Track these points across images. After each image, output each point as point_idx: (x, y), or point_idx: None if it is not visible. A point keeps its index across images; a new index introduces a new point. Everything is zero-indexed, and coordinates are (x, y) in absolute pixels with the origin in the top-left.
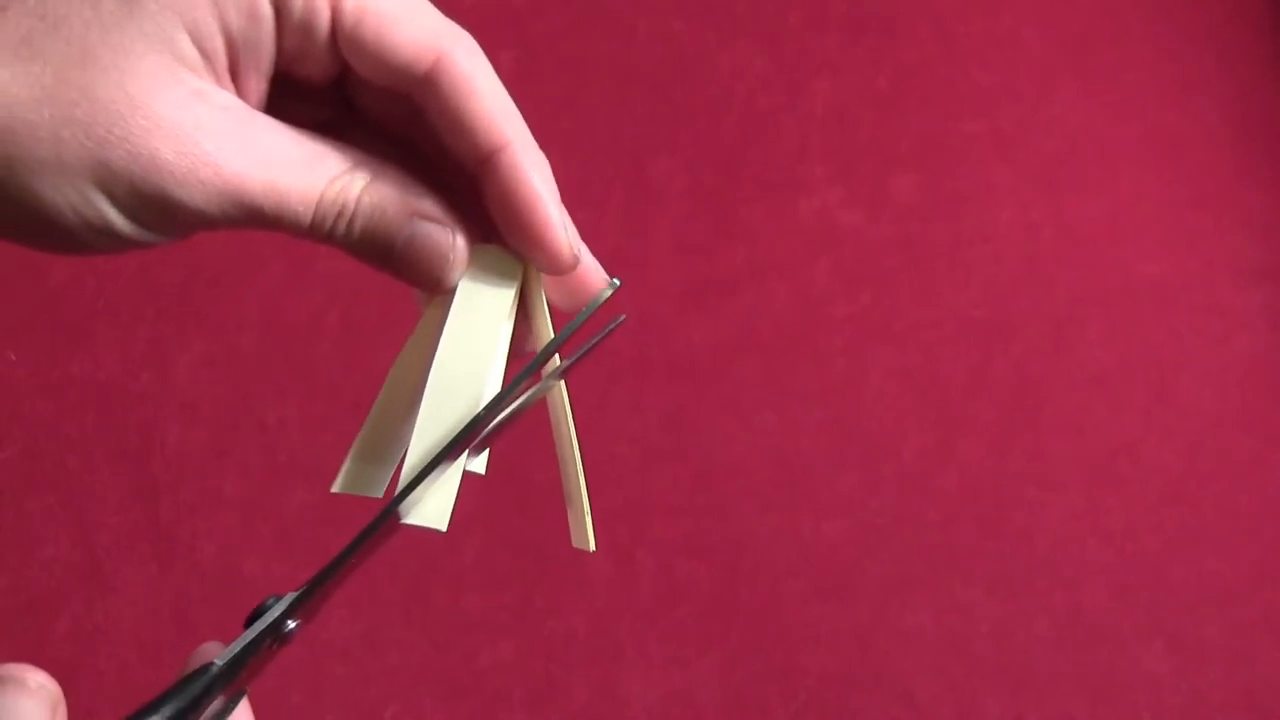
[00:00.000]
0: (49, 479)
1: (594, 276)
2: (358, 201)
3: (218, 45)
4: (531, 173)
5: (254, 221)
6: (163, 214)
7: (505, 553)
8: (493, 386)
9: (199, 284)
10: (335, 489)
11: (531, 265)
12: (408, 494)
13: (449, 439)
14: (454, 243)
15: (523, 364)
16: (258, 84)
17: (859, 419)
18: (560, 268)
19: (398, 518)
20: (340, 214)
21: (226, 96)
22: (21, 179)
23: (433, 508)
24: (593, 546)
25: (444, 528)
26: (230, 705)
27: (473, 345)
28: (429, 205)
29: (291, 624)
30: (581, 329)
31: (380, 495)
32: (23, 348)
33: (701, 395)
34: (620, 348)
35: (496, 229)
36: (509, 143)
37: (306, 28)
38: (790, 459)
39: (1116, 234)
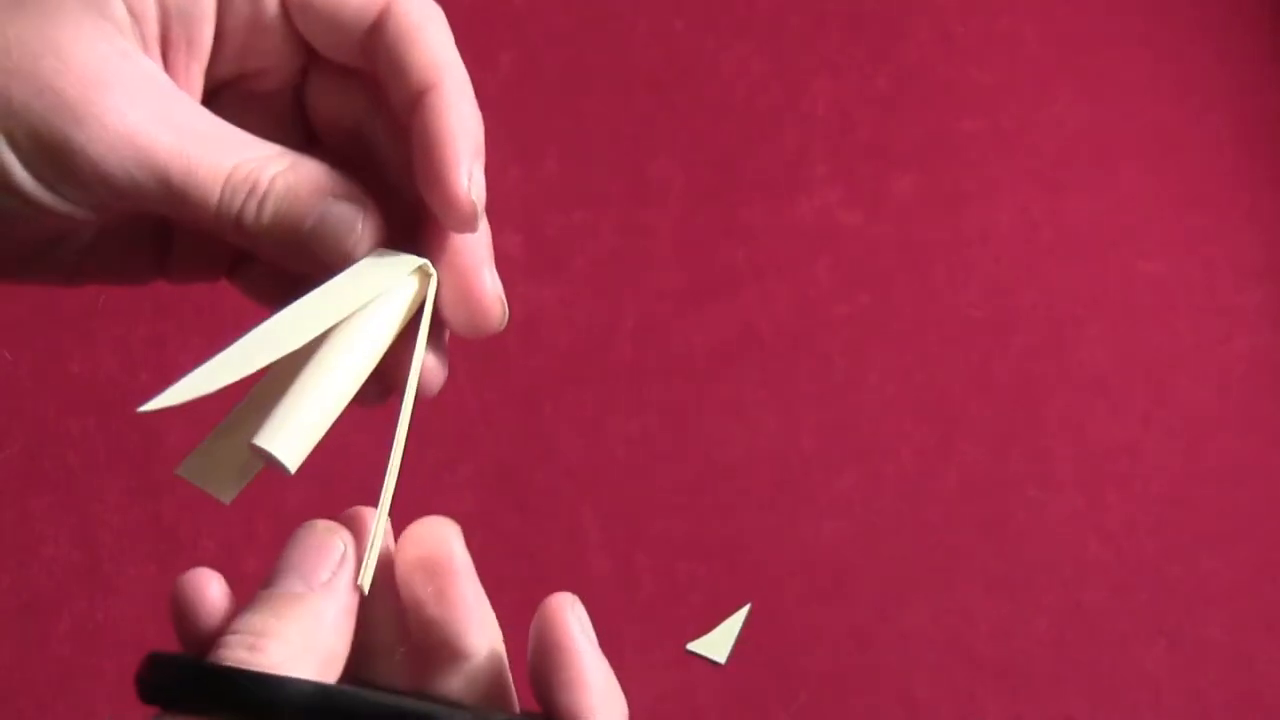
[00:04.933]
0: (49, 479)
1: (489, 290)
2: (271, 181)
3: (149, 10)
4: (451, 113)
5: (159, 193)
6: (64, 167)
7: (505, 553)
8: (353, 383)
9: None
10: (180, 472)
11: (432, 280)
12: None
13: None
14: (364, 217)
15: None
16: (188, 65)
17: (859, 419)
18: (456, 216)
19: None
20: (251, 193)
21: (150, 64)
22: None
23: (289, 439)
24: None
25: (293, 470)
26: None
27: (354, 336)
28: (344, 187)
29: None
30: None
31: (227, 501)
32: (23, 347)
33: (701, 395)
34: (620, 348)
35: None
36: (439, 84)
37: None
38: (790, 459)
39: (1117, 234)
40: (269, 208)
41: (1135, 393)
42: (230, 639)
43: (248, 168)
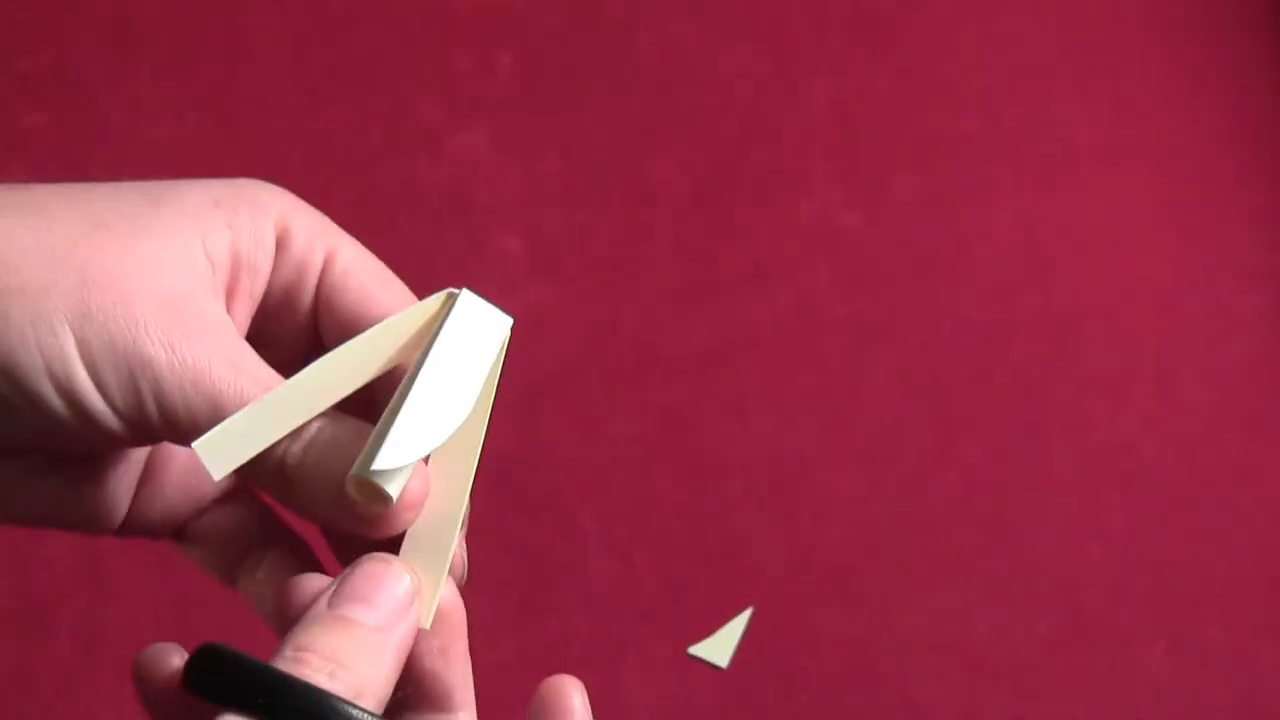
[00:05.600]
0: None
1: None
2: (318, 430)
3: (224, 260)
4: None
5: (208, 425)
6: (129, 379)
7: (505, 553)
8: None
9: None
10: (196, 445)
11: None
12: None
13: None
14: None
15: None
16: (244, 314)
17: (859, 419)
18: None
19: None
20: (297, 437)
21: (218, 306)
22: None
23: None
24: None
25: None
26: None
27: (458, 376)
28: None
29: None
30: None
31: (216, 479)
32: None
33: (701, 395)
34: (620, 348)
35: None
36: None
37: (301, 266)
38: (790, 459)
39: (1117, 234)
40: (312, 454)
41: (1136, 393)
42: (308, 657)
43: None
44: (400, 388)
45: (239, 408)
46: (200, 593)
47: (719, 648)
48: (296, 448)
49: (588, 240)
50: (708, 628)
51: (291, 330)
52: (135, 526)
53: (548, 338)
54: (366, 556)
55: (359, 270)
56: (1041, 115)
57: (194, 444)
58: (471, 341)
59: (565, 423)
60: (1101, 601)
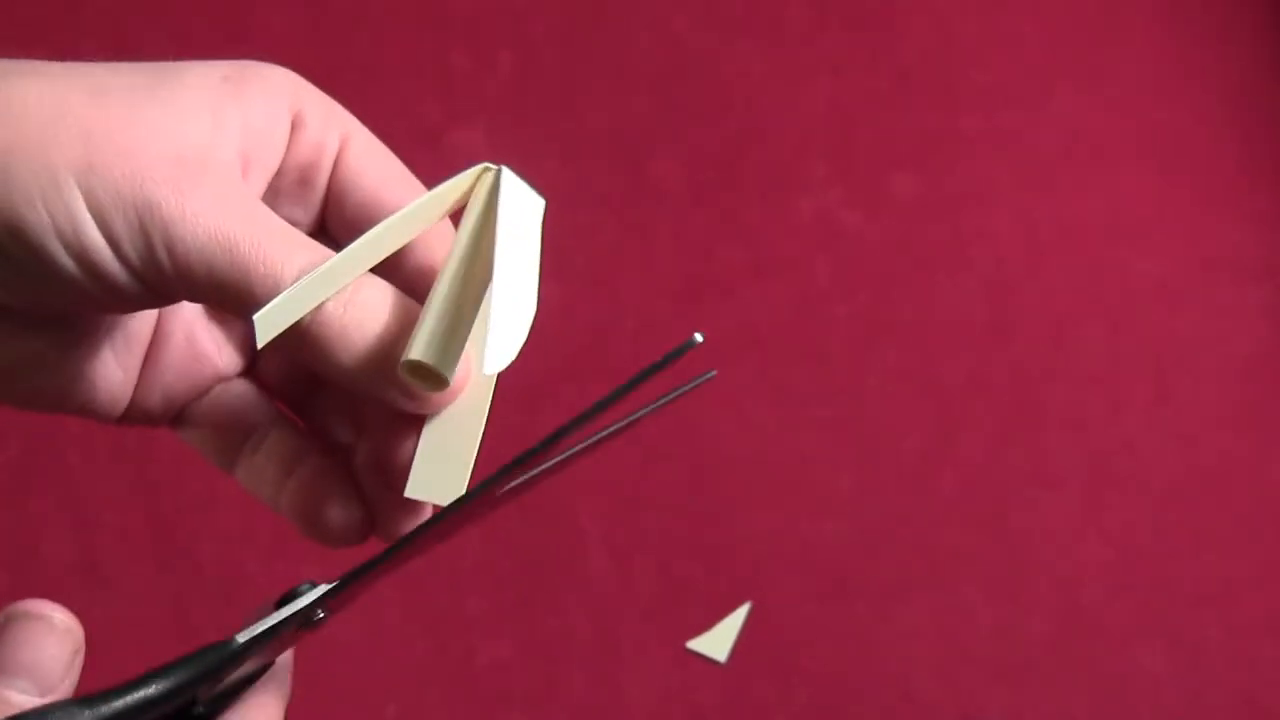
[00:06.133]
0: (49, 479)
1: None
2: (357, 290)
3: (234, 132)
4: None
5: (226, 275)
6: (144, 231)
7: (505, 552)
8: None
9: None
10: (257, 318)
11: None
12: (494, 482)
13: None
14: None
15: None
16: (256, 188)
17: (858, 418)
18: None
19: (487, 499)
20: (338, 296)
21: (233, 167)
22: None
23: (442, 482)
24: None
25: (445, 503)
26: (253, 676)
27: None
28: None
29: (321, 614)
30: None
31: (261, 346)
32: None
33: (700, 395)
34: (620, 348)
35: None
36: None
37: (318, 148)
38: (789, 458)
39: (1117, 232)
40: (354, 314)
41: (1135, 392)
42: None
43: (315, 266)
44: (453, 273)
45: (255, 256)
46: (200, 592)
47: (717, 643)
48: (336, 307)
49: (588, 240)
50: (706, 624)
51: (300, 215)
52: (137, 413)
53: (548, 337)
54: (20, 614)
55: (375, 157)
56: (1041, 114)
57: (255, 316)
58: (521, 224)
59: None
60: (1100, 600)
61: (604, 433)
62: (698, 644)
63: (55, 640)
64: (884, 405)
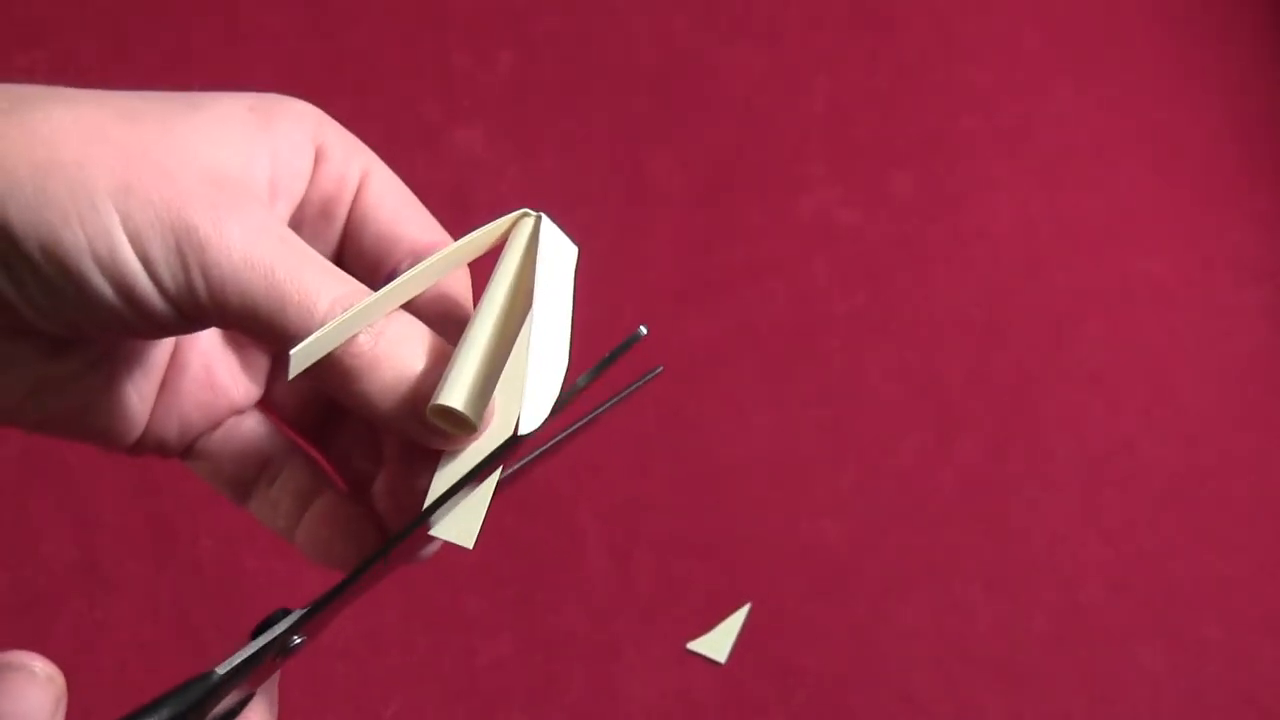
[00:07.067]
0: (49, 479)
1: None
2: (388, 324)
3: (262, 160)
4: None
5: (261, 302)
6: (178, 254)
7: (504, 552)
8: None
9: None
10: (294, 352)
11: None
12: (434, 510)
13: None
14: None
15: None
16: (284, 211)
17: (857, 417)
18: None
19: (417, 537)
20: (368, 329)
21: (264, 193)
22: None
23: (462, 524)
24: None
25: (471, 545)
26: (237, 708)
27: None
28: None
29: (297, 639)
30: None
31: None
32: None
33: (699, 394)
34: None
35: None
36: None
37: (340, 181)
38: (788, 458)
39: (1116, 232)
40: (384, 346)
41: (1135, 391)
42: None
43: (347, 298)
44: (489, 319)
45: (291, 285)
46: (200, 592)
47: (717, 643)
48: (368, 339)
49: (587, 239)
50: (706, 624)
51: (319, 248)
52: (150, 442)
53: None
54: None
55: (394, 193)
56: (1040, 113)
57: (292, 351)
58: (558, 275)
59: (564, 421)
60: (1100, 598)
61: (562, 434)
62: (698, 645)
63: (38, 689)
64: (883, 405)
